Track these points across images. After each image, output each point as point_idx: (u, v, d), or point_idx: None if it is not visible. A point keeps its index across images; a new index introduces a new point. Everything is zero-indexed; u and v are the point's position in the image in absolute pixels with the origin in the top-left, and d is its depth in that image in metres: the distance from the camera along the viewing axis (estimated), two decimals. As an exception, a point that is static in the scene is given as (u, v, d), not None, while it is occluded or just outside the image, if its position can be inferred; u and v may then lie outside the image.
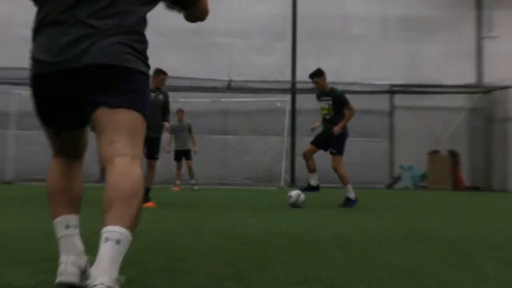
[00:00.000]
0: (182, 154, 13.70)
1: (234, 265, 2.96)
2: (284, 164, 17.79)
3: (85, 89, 2.13)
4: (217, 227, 4.93)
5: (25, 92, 14.89)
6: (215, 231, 4.56)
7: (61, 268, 2.21)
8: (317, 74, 8.51)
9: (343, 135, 8.33)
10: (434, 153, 17.64)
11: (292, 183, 18.43)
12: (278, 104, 18.18)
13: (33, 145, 16.91)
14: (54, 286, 2.21)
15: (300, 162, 18.33)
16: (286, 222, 5.54)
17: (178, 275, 2.67)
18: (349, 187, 8.21)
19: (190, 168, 13.73)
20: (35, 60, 2.18)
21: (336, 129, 8.22)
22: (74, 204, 2.33)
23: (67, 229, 2.26)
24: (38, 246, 3.52)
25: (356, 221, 5.84)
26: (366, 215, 6.75)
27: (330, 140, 8.32)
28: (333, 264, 3.02)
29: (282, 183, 17.04)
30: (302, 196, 7.91)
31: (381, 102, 18.57)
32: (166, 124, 8.49)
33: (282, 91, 18.51)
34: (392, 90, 18.74)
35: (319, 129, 8.65)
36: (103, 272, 1.83)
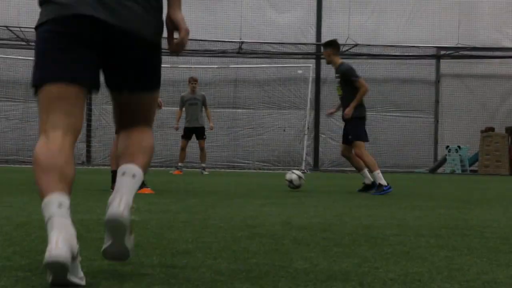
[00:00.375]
0: (193, 132, 13.90)
1: (245, 260, 3.04)
2: (306, 143, 17.84)
3: (114, 52, 2.62)
4: (225, 217, 5.03)
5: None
6: (223, 222, 4.65)
7: (52, 244, 2.18)
8: (325, 45, 8.72)
9: (358, 118, 8.37)
10: (488, 131, 17.58)
11: (315, 166, 18.49)
12: (300, 72, 18.16)
13: (4, 120, 17.07)
14: (43, 266, 2.22)
15: (325, 142, 18.39)
16: (307, 212, 5.63)
17: (179, 272, 2.75)
18: (378, 173, 8.29)
19: (202, 149, 14.08)
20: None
21: (347, 112, 8.32)
22: (67, 184, 2.41)
23: (60, 208, 2.30)
24: (15, 239, 3.62)
25: (390, 211, 5.91)
26: (402, 204, 6.81)
27: (347, 126, 8.48)
28: (361, 261, 3.10)
29: (303, 166, 17.11)
30: (294, 176, 8.54)
31: (426, 69, 18.45)
32: (159, 100, 8.53)
33: (305, 55, 18.49)
34: (439, 55, 18.64)
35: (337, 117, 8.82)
36: (122, 194, 2.48)
